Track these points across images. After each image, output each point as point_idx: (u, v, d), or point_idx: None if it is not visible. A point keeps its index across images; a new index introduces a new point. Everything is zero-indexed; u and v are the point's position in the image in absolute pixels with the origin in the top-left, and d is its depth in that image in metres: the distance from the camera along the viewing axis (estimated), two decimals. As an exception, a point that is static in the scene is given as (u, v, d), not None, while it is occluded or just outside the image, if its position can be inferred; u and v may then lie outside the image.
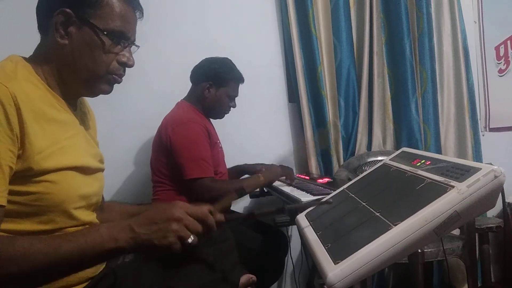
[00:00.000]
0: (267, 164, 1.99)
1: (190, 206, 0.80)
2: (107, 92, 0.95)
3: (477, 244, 2.10)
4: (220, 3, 2.26)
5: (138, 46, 0.98)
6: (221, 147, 1.92)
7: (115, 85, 0.97)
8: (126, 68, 0.96)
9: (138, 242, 0.75)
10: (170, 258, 0.82)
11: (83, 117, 1.00)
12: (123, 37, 0.91)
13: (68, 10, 0.86)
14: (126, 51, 0.93)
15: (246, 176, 1.96)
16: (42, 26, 0.90)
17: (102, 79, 0.92)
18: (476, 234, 2.08)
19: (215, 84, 1.84)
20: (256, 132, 2.30)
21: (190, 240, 0.76)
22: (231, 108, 1.93)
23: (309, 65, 2.25)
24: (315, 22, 2.24)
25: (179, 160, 1.70)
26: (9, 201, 0.75)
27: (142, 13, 0.96)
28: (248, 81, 1.97)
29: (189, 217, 0.78)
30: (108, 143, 1.94)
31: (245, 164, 2.06)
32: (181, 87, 1.92)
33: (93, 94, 0.95)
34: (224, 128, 2.01)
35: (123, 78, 0.96)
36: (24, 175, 0.77)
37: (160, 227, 0.75)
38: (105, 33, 0.87)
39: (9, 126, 0.74)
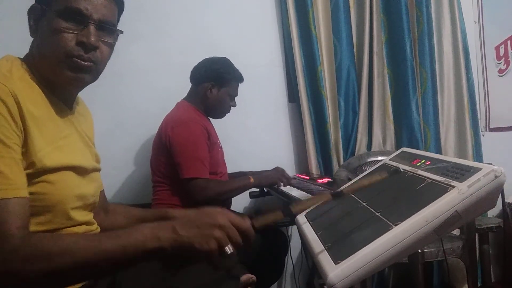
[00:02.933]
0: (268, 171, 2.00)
1: (234, 215, 0.80)
2: (75, 79, 0.87)
3: (477, 244, 2.10)
4: (220, 3, 2.26)
5: (121, 32, 0.93)
6: (221, 147, 1.92)
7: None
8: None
9: (180, 244, 0.74)
10: (172, 258, 0.82)
11: (78, 117, 0.99)
12: (78, 15, 0.85)
13: (37, 5, 0.87)
14: (86, 31, 0.85)
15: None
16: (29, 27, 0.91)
17: (63, 64, 0.85)
18: (476, 234, 2.08)
19: (217, 84, 1.85)
20: (256, 132, 2.30)
21: (228, 251, 0.76)
22: (231, 108, 1.93)
23: (309, 65, 2.25)
24: (315, 22, 2.24)
25: (176, 160, 1.70)
26: None
27: None
28: (248, 81, 1.97)
29: (232, 227, 0.77)
30: (108, 143, 1.96)
31: (249, 171, 2.06)
32: (181, 87, 1.92)
33: (65, 83, 0.88)
34: (224, 128, 2.01)
35: (93, 62, 0.87)
36: (25, 173, 0.77)
37: (203, 232, 0.75)
38: (56, 14, 0.84)
39: (15, 123, 0.74)
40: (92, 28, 0.86)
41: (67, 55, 0.84)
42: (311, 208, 0.86)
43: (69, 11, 0.84)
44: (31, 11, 0.88)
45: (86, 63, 0.86)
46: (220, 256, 0.75)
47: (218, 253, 0.75)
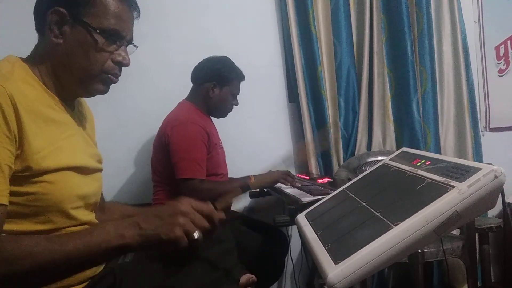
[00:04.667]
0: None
1: (196, 201, 0.80)
2: (103, 92, 0.94)
3: (477, 244, 2.10)
4: (220, 3, 2.26)
5: (136, 46, 0.96)
6: (222, 148, 1.92)
7: (115, 85, 0.97)
8: (126, 68, 0.95)
9: (145, 238, 0.74)
10: (172, 257, 0.82)
11: (80, 118, 1.00)
12: (118, 36, 0.90)
13: (62, 9, 0.85)
14: (121, 50, 0.91)
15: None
16: (39, 26, 0.90)
17: (97, 78, 0.91)
18: (476, 234, 2.08)
19: (219, 84, 1.85)
20: (256, 132, 2.30)
21: (196, 236, 0.76)
22: (234, 106, 1.93)
23: (309, 65, 2.25)
24: (315, 22, 2.24)
25: (173, 160, 1.70)
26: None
27: (139, 13, 0.95)
28: (248, 81, 1.97)
29: (195, 212, 0.78)
30: (109, 143, 1.95)
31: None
32: (181, 87, 1.92)
33: (89, 94, 0.94)
34: (224, 128, 2.01)
35: (119, 78, 0.94)
36: (22, 175, 0.77)
37: (167, 221, 0.75)
38: (98, 31, 0.87)
39: (7, 125, 0.74)
40: (125, 48, 0.92)
41: (103, 71, 0.90)
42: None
43: (111, 32, 0.88)
44: (53, 14, 0.86)
45: (116, 79, 0.93)
46: (189, 242, 0.75)
47: (186, 240, 0.75)
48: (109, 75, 0.91)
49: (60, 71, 0.89)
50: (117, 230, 0.74)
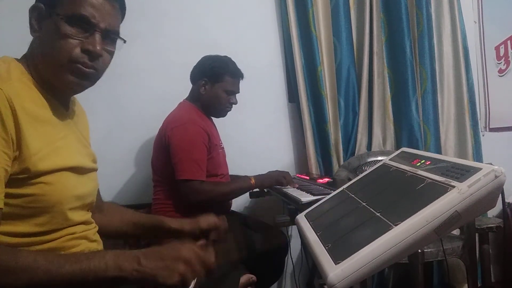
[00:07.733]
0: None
1: (200, 249, 0.80)
2: (77, 84, 0.88)
3: (477, 244, 2.10)
4: (219, 3, 2.26)
5: (124, 40, 0.93)
6: (222, 148, 1.92)
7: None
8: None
9: (142, 276, 0.74)
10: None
11: (75, 118, 0.99)
12: (86, 22, 0.85)
13: (40, 4, 0.86)
14: (92, 38, 0.86)
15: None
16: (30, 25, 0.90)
17: (65, 68, 0.85)
18: (476, 234, 2.08)
19: (210, 80, 1.83)
20: (256, 132, 2.30)
21: (191, 286, 0.76)
22: (233, 106, 1.90)
23: (309, 65, 2.25)
24: (315, 22, 2.24)
25: (173, 160, 1.70)
26: (5, 204, 0.75)
27: (122, 5, 0.93)
28: (248, 81, 1.97)
29: (197, 262, 0.77)
30: (108, 143, 1.97)
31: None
32: (181, 87, 1.92)
33: (65, 86, 0.89)
34: (224, 128, 2.01)
35: (98, 70, 0.89)
36: (20, 177, 0.77)
37: (167, 265, 0.75)
38: (62, 18, 0.84)
39: (4, 128, 0.73)
40: (98, 36, 0.87)
41: (71, 60, 0.85)
42: None
43: (77, 17, 0.85)
44: (33, 10, 0.87)
45: (89, 70, 0.87)
46: None
47: (180, 286, 0.75)
48: (77, 65, 0.85)
49: (40, 65, 0.87)
50: (116, 262, 0.73)
